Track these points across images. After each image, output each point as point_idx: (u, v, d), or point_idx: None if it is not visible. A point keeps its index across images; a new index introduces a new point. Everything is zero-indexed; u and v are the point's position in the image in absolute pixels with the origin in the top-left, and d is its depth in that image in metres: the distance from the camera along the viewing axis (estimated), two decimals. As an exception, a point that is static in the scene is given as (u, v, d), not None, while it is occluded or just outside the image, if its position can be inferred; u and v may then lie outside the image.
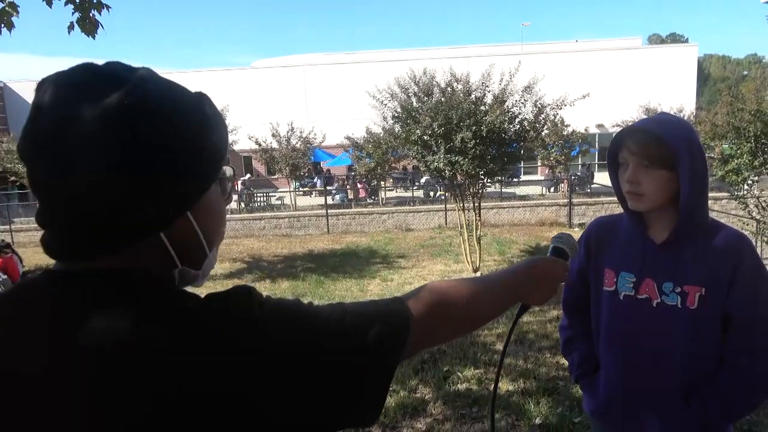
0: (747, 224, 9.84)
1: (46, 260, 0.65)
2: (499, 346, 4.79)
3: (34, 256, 11.06)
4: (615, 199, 1.42)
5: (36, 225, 0.64)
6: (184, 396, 0.54)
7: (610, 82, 28.01)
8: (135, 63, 0.64)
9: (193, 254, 0.66)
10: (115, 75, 0.59)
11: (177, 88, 0.63)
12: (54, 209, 0.60)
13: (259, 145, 21.58)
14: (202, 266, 0.68)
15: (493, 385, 1.17)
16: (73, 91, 0.58)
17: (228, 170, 0.70)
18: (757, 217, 10.14)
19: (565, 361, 4.03)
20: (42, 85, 0.60)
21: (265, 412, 0.58)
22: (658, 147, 1.30)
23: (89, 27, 3.67)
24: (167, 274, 0.65)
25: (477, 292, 0.84)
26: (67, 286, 0.61)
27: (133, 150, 0.57)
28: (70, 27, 3.66)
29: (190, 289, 0.66)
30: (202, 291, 0.63)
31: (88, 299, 0.59)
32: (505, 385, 3.77)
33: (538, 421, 3.18)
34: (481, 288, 0.86)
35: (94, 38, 3.70)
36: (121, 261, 0.61)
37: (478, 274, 10.46)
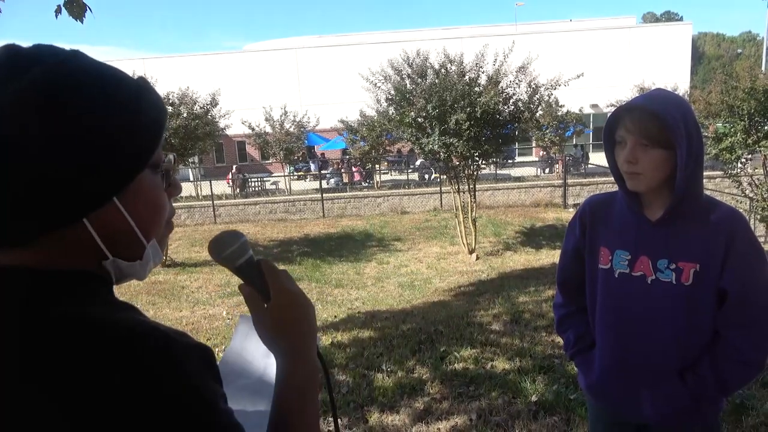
0: (740, 202, 9.91)
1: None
2: (495, 326, 4.84)
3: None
4: (610, 179, 1.42)
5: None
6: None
7: (604, 62, 27.90)
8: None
9: (128, 244, 0.62)
10: (35, 55, 0.57)
11: (106, 70, 0.60)
12: None
13: (253, 129, 21.44)
14: (143, 256, 0.64)
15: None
16: None
17: (168, 158, 0.67)
18: (750, 195, 10.21)
19: (560, 339, 4.08)
20: None
21: None
22: (656, 126, 1.29)
23: (77, 10, 3.60)
24: (96, 270, 0.61)
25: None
26: None
27: (46, 130, 0.53)
28: (57, 11, 3.59)
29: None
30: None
31: None
32: (501, 364, 3.82)
33: (534, 398, 3.23)
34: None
35: (82, 22, 3.62)
36: (36, 255, 0.57)
37: (474, 255, 10.51)
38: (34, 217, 0.55)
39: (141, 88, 0.62)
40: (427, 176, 21.05)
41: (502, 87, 9.39)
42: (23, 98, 0.54)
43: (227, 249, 0.70)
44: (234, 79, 27.40)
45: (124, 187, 0.59)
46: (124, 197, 0.59)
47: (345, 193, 18.50)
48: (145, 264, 0.65)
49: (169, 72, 22.10)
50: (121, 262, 0.62)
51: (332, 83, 28.45)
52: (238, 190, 20.66)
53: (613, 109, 1.86)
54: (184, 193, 18.87)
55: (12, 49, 0.58)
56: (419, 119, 9.18)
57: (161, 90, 12.19)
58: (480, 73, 9.45)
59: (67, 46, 0.63)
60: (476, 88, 9.20)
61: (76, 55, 0.59)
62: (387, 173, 24.01)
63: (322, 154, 27.27)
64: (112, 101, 0.58)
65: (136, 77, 0.64)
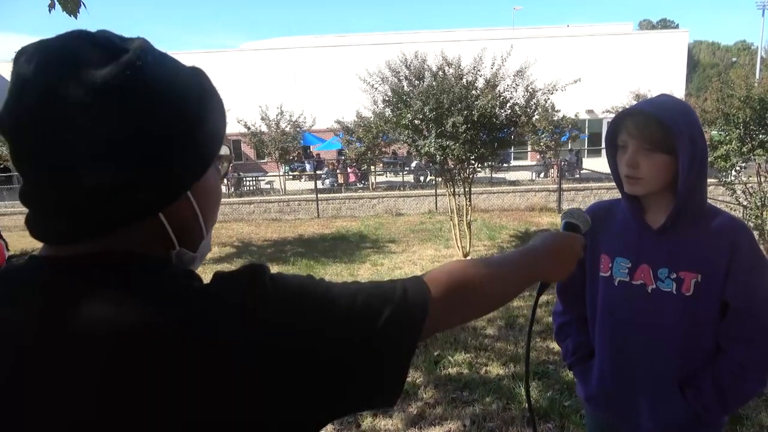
0: (734, 210, 9.93)
1: (32, 244, 0.61)
2: (490, 330, 4.82)
3: (20, 240, 10.90)
4: (604, 184, 1.40)
5: (22, 208, 0.59)
6: (195, 383, 0.52)
7: (600, 68, 27.99)
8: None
9: (191, 235, 0.63)
10: (110, 44, 0.55)
11: (174, 62, 0.60)
12: (41, 188, 0.55)
13: (248, 128, 21.37)
14: (199, 248, 0.65)
15: (524, 370, 1.21)
16: (61, 60, 0.52)
17: (225, 149, 0.67)
18: (744, 203, 10.24)
19: (555, 346, 4.06)
20: (22, 55, 0.54)
21: (264, 400, 0.54)
22: (659, 131, 1.27)
23: (71, 6, 3.54)
24: (164, 256, 0.61)
25: (496, 273, 0.81)
26: (57, 271, 0.56)
27: (133, 126, 0.53)
28: (51, 5, 3.54)
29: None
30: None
31: (82, 285, 0.54)
32: (495, 370, 3.79)
33: (528, 405, 3.21)
34: (500, 268, 0.82)
35: (76, 17, 3.57)
36: (115, 243, 0.57)
37: (469, 259, 10.50)
38: (123, 209, 0.56)
39: (204, 77, 0.62)
40: (422, 178, 21.04)
41: (499, 91, 9.38)
42: (101, 97, 0.52)
43: (578, 216, 1.12)
44: (230, 78, 27.28)
45: (197, 181, 0.60)
46: (193, 190, 0.61)
47: (340, 194, 18.44)
48: (201, 254, 0.66)
49: (165, 69, 21.98)
50: (186, 252, 0.63)
51: (329, 84, 28.40)
52: (232, 189, 20.57)
53: (608, 114, 1.84)
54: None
55: (81, 37, 0.55)
56: (416, 121, 9.15)
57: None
58: (477, 76, 9.43)
59: None
60: (473, 92, 9.19)
61: (147, 45, 0.57)
62: (382, 174, 23.99)
63: (318, 154, 27.20)
64: (190, 95, 0.58)
65: (193, 68, 0.63)
